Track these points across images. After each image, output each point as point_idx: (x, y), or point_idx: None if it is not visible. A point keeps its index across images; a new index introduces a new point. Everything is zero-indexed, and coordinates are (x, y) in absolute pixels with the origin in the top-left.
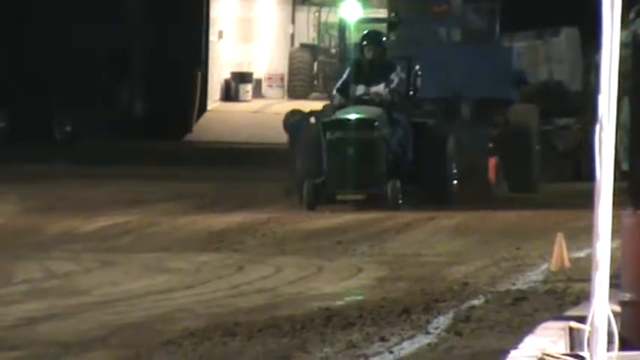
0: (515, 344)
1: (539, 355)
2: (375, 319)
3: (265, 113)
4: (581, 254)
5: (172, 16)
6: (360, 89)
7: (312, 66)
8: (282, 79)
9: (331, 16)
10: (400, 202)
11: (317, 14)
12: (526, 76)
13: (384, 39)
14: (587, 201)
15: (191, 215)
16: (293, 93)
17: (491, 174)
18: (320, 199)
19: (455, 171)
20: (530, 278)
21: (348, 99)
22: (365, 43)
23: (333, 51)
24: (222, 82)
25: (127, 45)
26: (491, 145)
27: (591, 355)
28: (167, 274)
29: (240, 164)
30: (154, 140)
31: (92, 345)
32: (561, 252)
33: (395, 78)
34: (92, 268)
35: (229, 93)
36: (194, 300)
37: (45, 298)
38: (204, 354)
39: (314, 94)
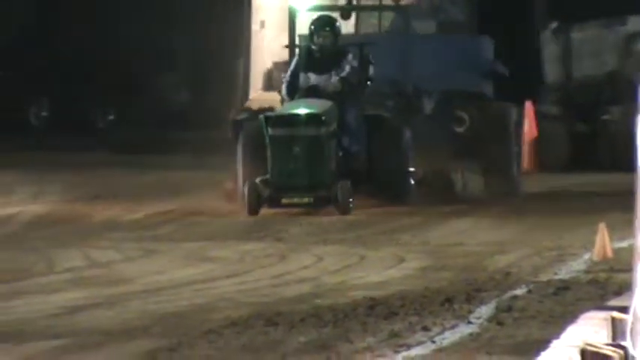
0: (557, 334)
1: (582, 345)
2: (417, 308)
3: None
4: (624, 244)
5: (215, 4)
6: (311, 78)
7: None
8: None
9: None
10: (352, 205)
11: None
12: (501, 67)
13: (337, 24)
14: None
15: (234, 204)
16: None
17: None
18: (263, 202)
19: (412, 169)
20: (573, 268)
21: (296, 93)
22: (315, 28)
23: None
24: (264, 71)
25: (170, 34)
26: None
27: (633, 345)
28: (210, 263)
29: None
30: (196, 129)
31: (134, 334)
32: (603, 242)
33: (346, 65)
34: (135, 257)
35: (271, 82)
36: (236, 289)
37: (87, 286)
38: (246, 343)
39: None
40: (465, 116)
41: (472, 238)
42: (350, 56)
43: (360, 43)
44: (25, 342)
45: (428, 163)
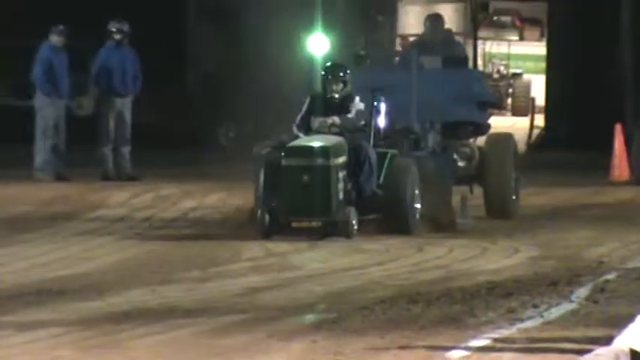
0: None
1: None
2: (528, 289)
3: None
4: None
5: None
6: (319, 122)
7: None
8: None
9: (494, 48)
10: (355, 230)
11: (483, 46)
12: (492, 97)
13: (347, 72)
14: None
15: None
16: None
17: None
18: (275, 226)
19: (418, 205)
20: None
21: (308, 132)
22: (326, 75)
23: (496, 75)
24: None
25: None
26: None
27: None
28: (362, 254)
29: None
30: None
31: (303, 309)
32: None
33: (352, 109)
34: (302, 249)
35: None
36: (384, 274)
37: (265, 272)
38: (391, 317)
39: None
40: (468, 150)
41: (572, 234)
42: (357, 99)
43: (371, 88)
44: (215, 316)
45: (433, 196)
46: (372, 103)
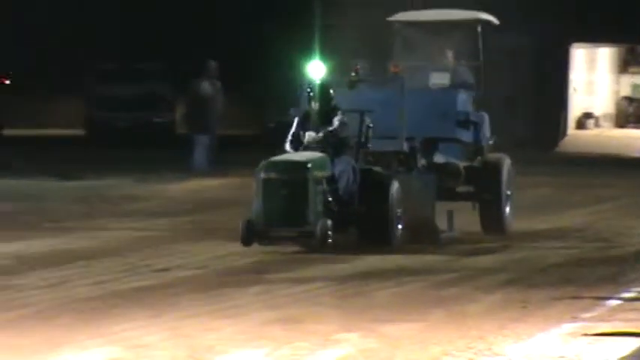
0: None
1: None
2: None
3: (601, 137)
4: None
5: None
6: (309, 136)
7: (628, 108)
8: (611, 116)
9: (639, 80)
10: (330, 241)
11: (632, 78)
12: (478, 116)
13: (331, 90)
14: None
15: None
16: (618, 124)
17: None
18: (255, 235)
19: (399, 223)
20: None
21: (299, 148)
22: (312, 93)
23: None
24: (576, 118)
25: (514, 92)
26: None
27: None
28: (537, 234)
29: (588, 169)
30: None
31: (498, 270)
32: None
33: (335, 121)
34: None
35: (580, 124)
36: (554, 246)
37: (469, 243)
38: (563, 276)
39: (629, 125)
40: (454, 168)
41: None
42: (339, 113)
43: (360, 110)
44: (434, 274)
45: (416, 212)
46: (360, 123)
